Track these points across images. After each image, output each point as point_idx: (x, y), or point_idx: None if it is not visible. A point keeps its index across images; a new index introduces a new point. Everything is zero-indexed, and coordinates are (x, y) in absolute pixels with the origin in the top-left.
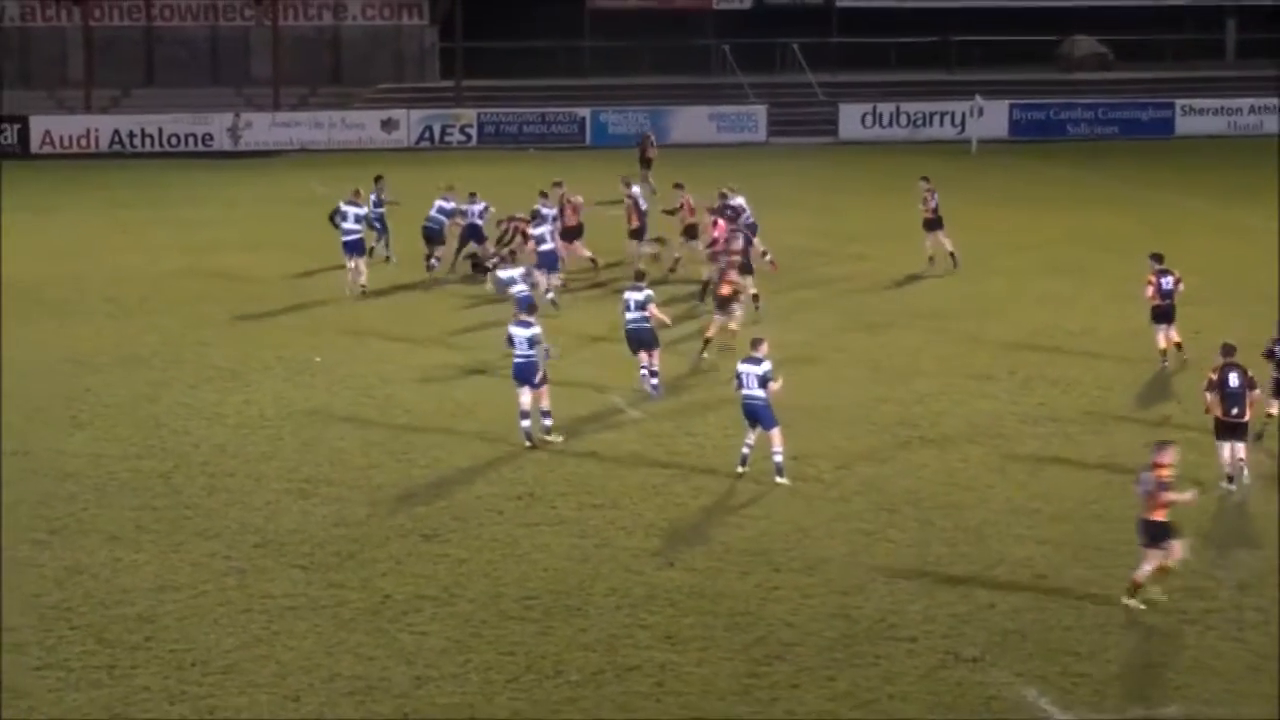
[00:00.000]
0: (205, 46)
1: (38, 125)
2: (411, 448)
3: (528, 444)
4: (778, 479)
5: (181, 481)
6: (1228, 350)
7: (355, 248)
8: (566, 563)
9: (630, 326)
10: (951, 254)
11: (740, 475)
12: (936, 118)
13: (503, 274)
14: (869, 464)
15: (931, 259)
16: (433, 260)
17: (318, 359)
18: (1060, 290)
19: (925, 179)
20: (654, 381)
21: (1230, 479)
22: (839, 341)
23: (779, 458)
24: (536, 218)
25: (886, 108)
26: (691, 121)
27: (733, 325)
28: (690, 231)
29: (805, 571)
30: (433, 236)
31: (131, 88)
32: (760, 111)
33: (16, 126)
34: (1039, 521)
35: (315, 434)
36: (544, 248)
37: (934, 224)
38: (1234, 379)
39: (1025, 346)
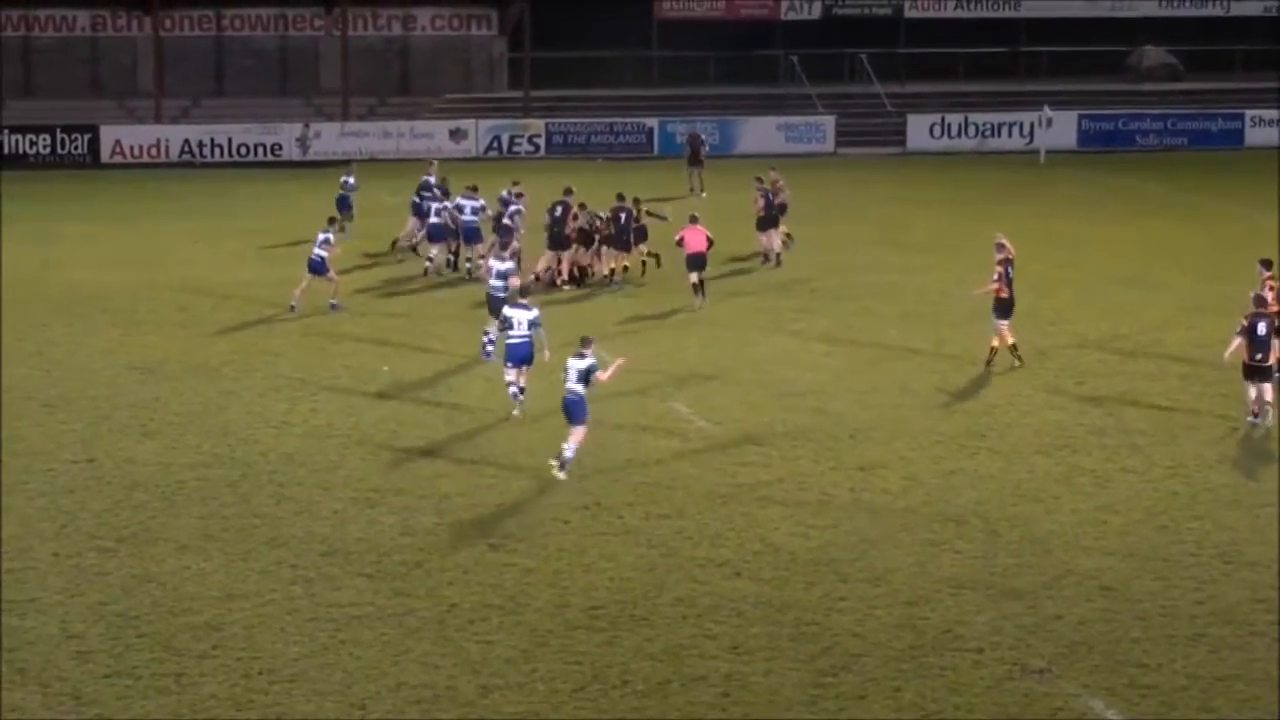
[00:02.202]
0: (275, 56)
1: (108, 135)
2: (478, 457)
3: (516, 413)
4: (557, 471)
5: (249, 490)
6: (1259, 301)
7: (472, 235)
8: (633, 572)
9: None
10: (788, 234)
11: (557, 477)
12: (1005, 128)
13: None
14: (936, 475)
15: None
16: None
17: (385, 368)
18: (1128, 301)
19: (773, 169)
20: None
21: (1255, 415)
22: (905, 351)
23: (569, 452)
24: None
25: (955, 118)
26: (759, 132)
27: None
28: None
29: (872, 582)
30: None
31: (201, 98)
32: (828, 122)
33: (87, 136)
34: (1106, 533)
35: (383, 443)
36: (432, 220)
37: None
38: (1261, 327)
39: (1093, 357)
